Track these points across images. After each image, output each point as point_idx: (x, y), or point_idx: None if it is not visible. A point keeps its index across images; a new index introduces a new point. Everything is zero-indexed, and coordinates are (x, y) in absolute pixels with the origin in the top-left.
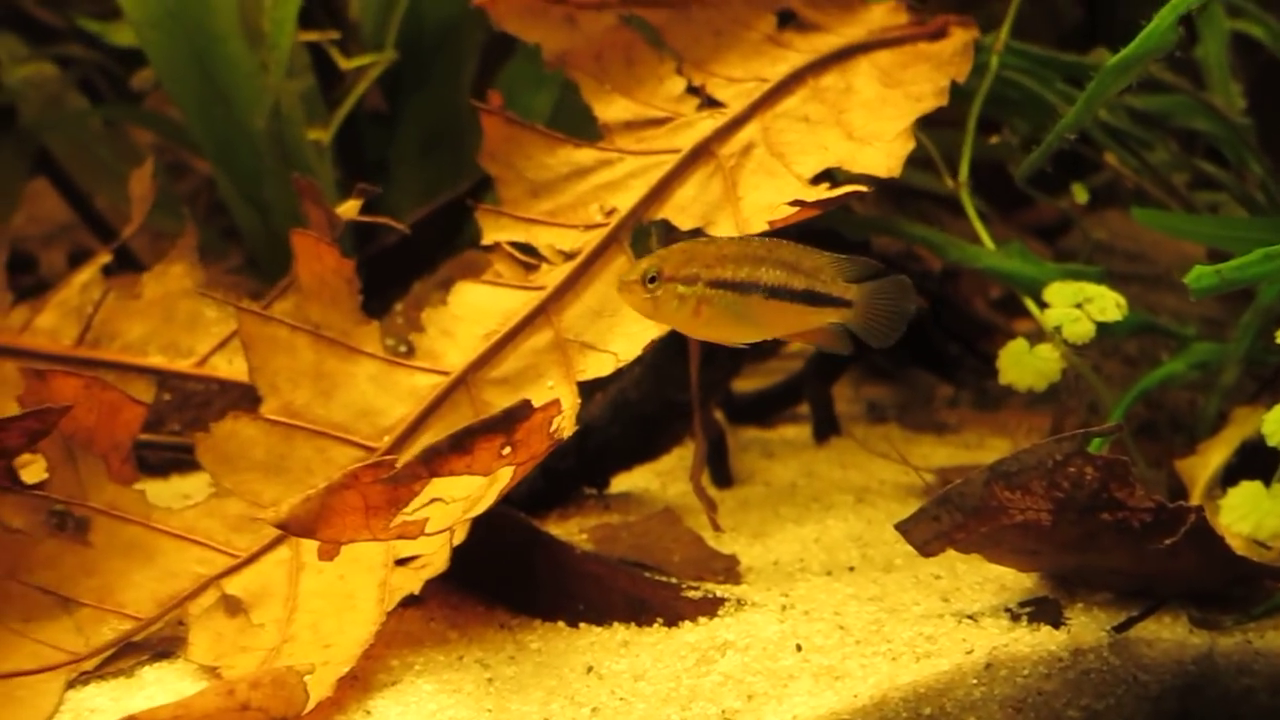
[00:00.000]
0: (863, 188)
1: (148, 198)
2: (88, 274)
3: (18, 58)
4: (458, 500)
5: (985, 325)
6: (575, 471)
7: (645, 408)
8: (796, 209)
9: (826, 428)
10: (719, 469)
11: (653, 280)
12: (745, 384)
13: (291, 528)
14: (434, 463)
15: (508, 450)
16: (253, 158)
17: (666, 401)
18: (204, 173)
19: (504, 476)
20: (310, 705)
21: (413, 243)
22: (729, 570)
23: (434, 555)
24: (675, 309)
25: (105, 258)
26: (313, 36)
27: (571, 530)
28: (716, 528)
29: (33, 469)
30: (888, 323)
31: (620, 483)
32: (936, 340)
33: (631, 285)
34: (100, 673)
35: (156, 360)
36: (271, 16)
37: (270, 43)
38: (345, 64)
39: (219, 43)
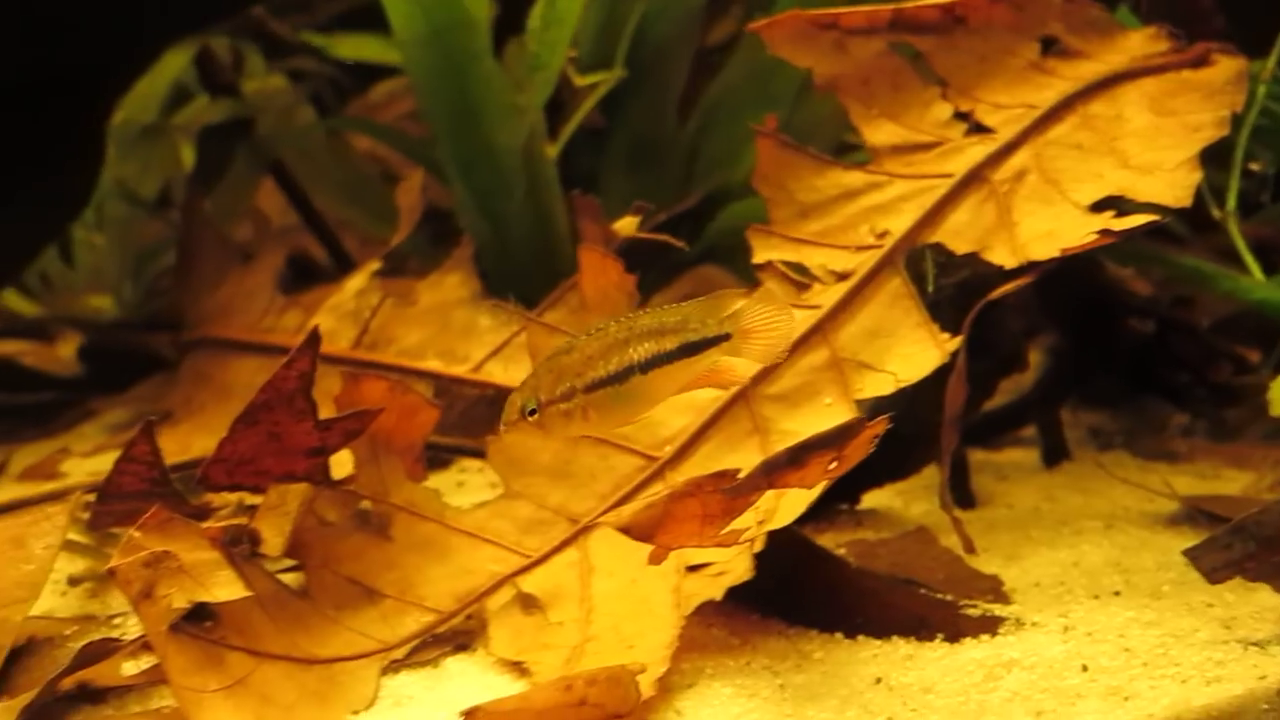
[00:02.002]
0: (1158, 217)
1: (416, 208)
2: (360, 280)
3: (258, 71)
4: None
5: (1215, 353)
6: (832, 487)
7: (901, 426)
8: (1097, 237)
9: (1057, 452)
10: (961, 491)
11: (533, 412)
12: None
13: (633, 532)
14: (773, 475)
15: (833, 465)
16: (493, 173)
17: (921, 421)
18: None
19: (802, 492)
20: None
21: (633, 255)
22: (995, 590)
23: (734, 563)
24: (565, 426)
25: (376, 264)
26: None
27: (828, 545)
28: (970, 548)
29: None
30: (770, 336)
31: (866, 500)
32: (1165, 368)
33: (516, 425)
34: (408, 662)
35: (433, 365)
36: (542, 39)
37: (539, 63)
38: (580, 81)
39: (475, 61)
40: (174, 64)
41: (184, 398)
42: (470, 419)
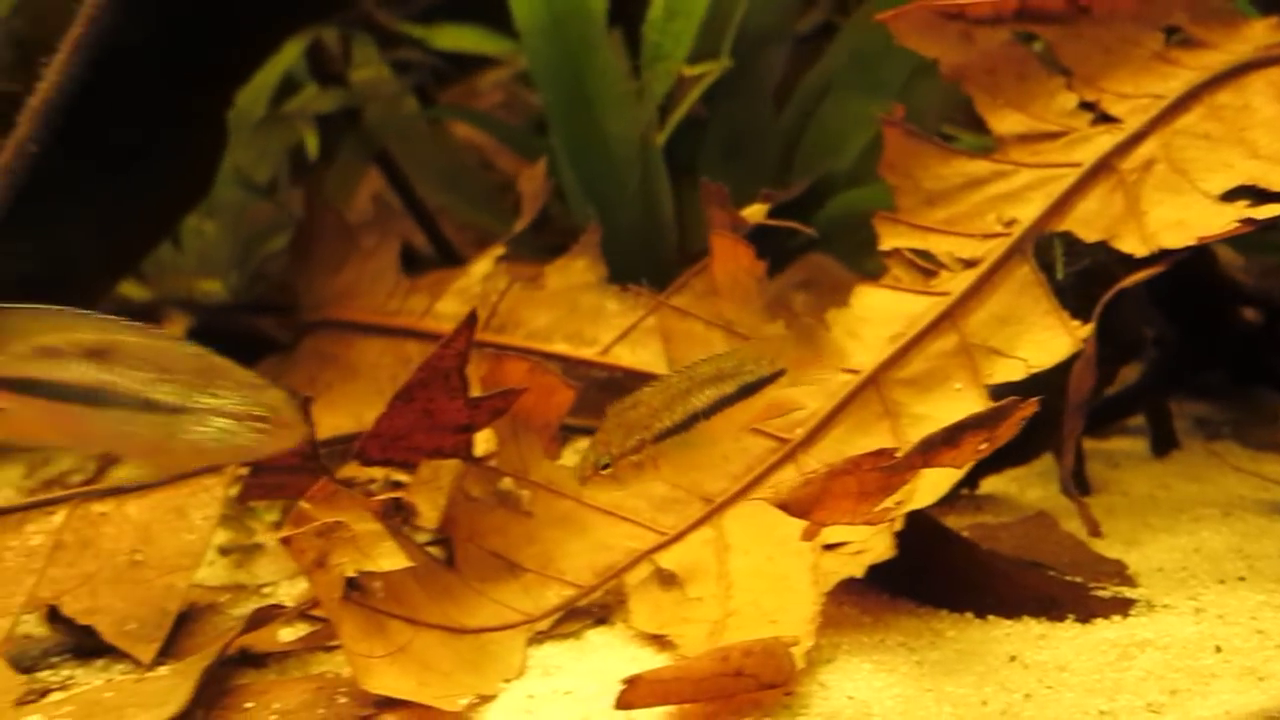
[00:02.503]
0: None
1: (539, 195)
2: (486, 264)
3: (369, 61)
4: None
5: None
6: None
7: None
8: (1238, 225)
9: (1166, 441)
10: (1077, 478)
11: (606, 466)
12: None
13: (791, 509)
14: (929, 454)
15: (984, 446)
16: (605, 161)
17: (1045, 406)
18: (510, 170)
19: (942, 473)
20: None
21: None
22: (1120, 574)
23: (873, 542)
24: (638, 476)
25: (500, 250)
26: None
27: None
28: (1095, 531)
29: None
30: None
31: (983, 486)
32: (1275, 358)
33: (591, 480)
34: (551, 634)
35: (561, 348)
36: (666, 29)
37: (661, 53)
38: (688, 71)
39: (592, 51)
40: (287, 55)
41: (307, 377)
42: (587, 400)
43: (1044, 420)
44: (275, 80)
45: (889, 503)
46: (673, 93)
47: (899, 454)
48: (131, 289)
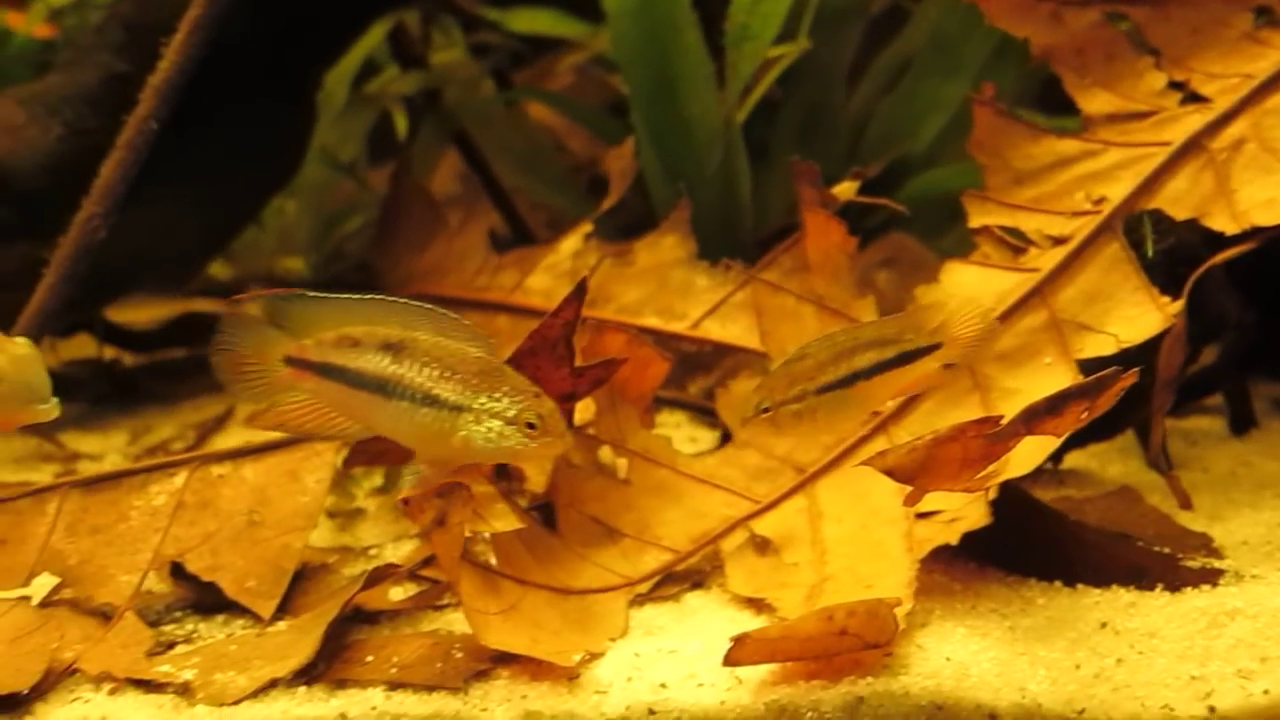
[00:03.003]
0: None
1: (627, 174)
2: (575, 241)
3: (451, 44)
4: None
5: None
6: None
7: None
8: None
9: (1245, 420)
10: (1162, 454)
11: (766, 410)
12: None
13: (896, 474)
14: (1032, 422)
15: (1085, 415)
16: (686, 142)
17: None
18: (583, 152)
19: (1036, 443)
20: None
21: None
22: (1207, 546)
23: (968, 510)
24: (796, 424)
25: (588, 227)
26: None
27: None
28: (1186, 504)
29: None
30: (978, 341)
31: (1065, 461)
32: None
33: (752, 420)
34: (651, 596)
35: (652, 322)
36: (754, 10)
37: (750, 34)
38: (771, 51)
39: (678, 32)
40: (371, 38)
41: None
42: (672, 376)
43: (1129, 397)
44: (359, 63)
45: (988, 471)
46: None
47: (1003, 422)
48: (216, 268)
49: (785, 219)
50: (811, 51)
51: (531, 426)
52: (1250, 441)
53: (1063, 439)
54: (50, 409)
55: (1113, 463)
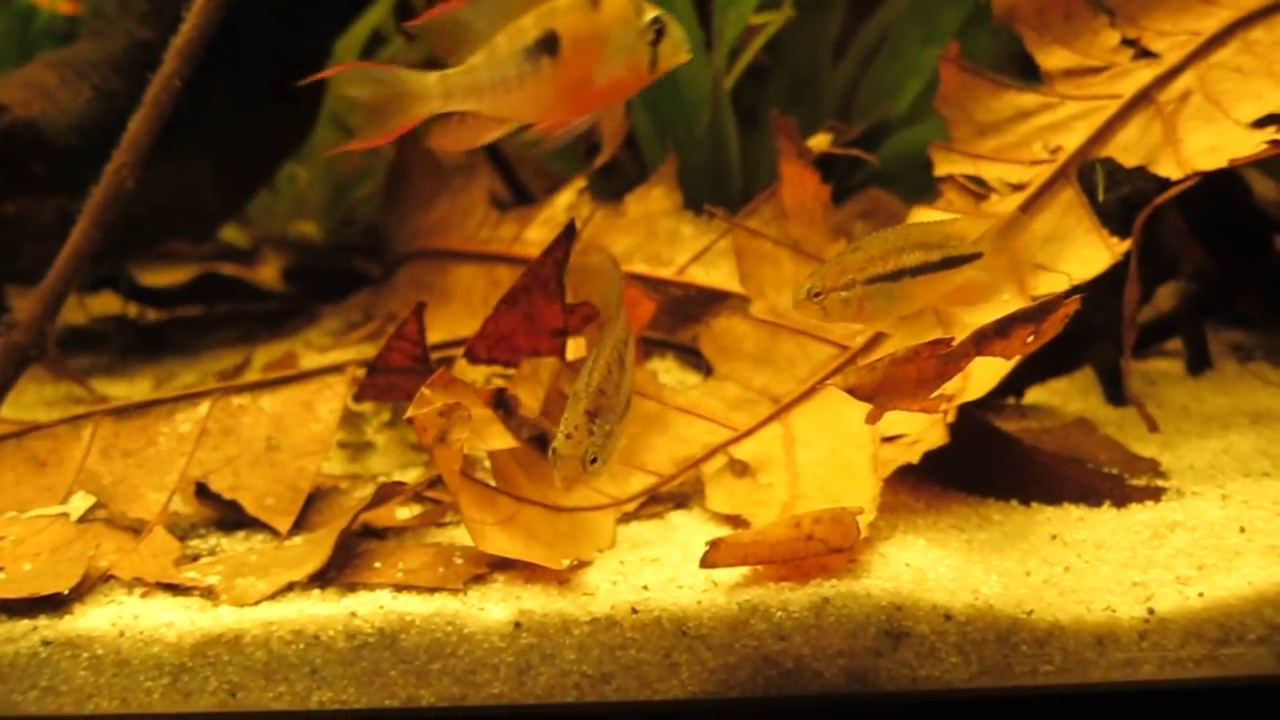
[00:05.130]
0: None
1: (618, 132)
2: (570, 195)
3: None
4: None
5: None
6: (1002, 381)
7: (1067, 327)
8: (1267, 147)
9: (1201, 361)
10: (1115, 390)
11: (817, 295)
12: None
13: (856, 392)
14: (982, 344)
15: (1031, 339)
16: (677, 104)
17: (1086, 323)
18: None
19: (987, 370)
20: None
21: None
22: (1154, 469)
23: (927, 433)
24: (842, 311)
25: (582, 182)
26: None
27: None
28: (1153, 427)
29: None
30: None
31: (1028, 396)
32: None
33: (802, 303)
34: (638, 515)
35: (641, 268)
36: None
37: (731, 1)
38: (754, 20)
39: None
40: (380, 8)
41: (404, 301)
42: (660, 319)
43: (1084, 335)
44: (367, 32)
45: (944, 392)
46: (738, 41)
47: (954, 344)
48: (232, 232)
49: (773, 179)
50: (799, 21)
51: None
52: (1204, 380)
53: (1014, 364)
54: None
55: (1073, 399)
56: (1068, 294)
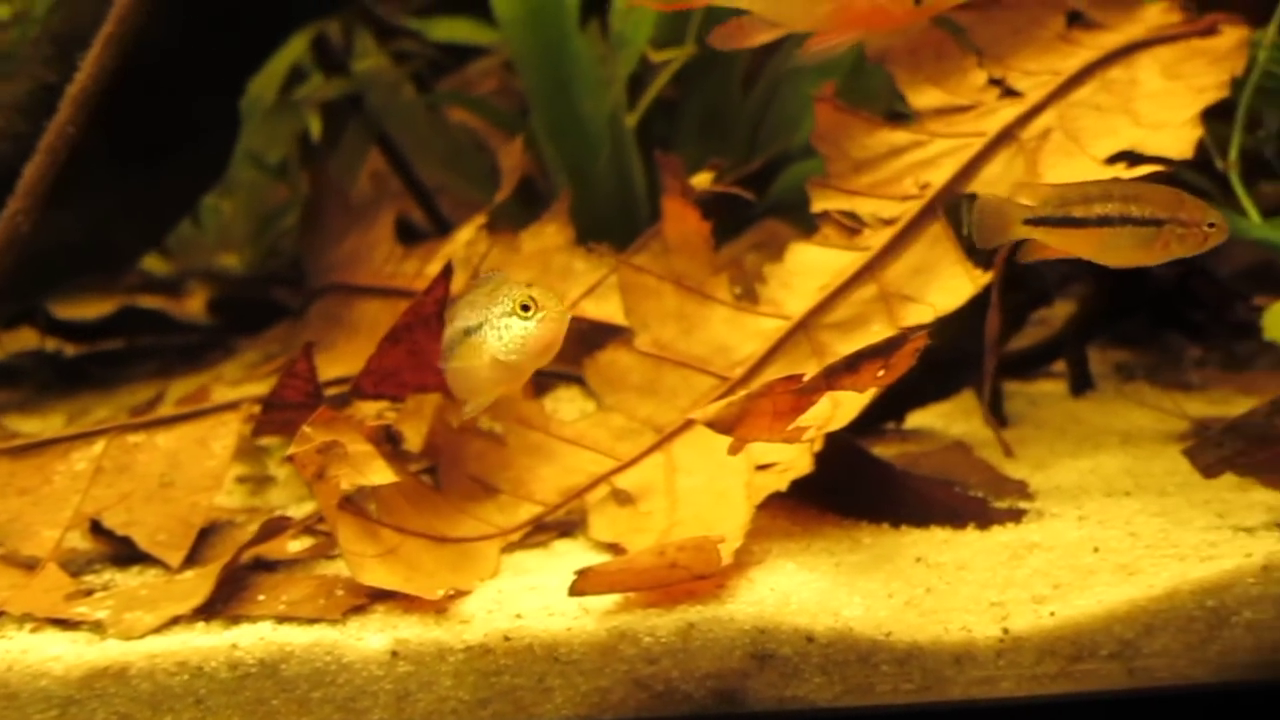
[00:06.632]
0: (1162, 168)
1: (518, 169)
2: (469, 232)
3: (368, 52)
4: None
5: (1232, 294)
6: (882, 407)
7: (943, 354)
8: None
9: (1083, 382)
10: (996, 411)
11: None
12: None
13: (716, 426)
14: (832, 378)
15: (882, 373)
16: (581, 138)
17: (961, 349)
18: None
19: (852, 401)
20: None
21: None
22: (1021, 491)
23: (796, 461)
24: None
25: (482, 219)
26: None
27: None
28: (1008, 452)
29: None
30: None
31: (912, 420)
32: (1186, 307)
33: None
34: (523, 544)
35: None
36: (627, 18)
37: (624, 40)
38: (656, 56)
39: (566, 39)
40: (295, 47)
41: (315, 335)
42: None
43: (962, 361)
44: (285, 70)
45: (806, 422)
46: (645, 77)
47: (806, 379)
48: (156, 264)
49: None
50: (708, 55)
51: (526, 309)
52: (1085, 401)
53: (882, 393)
54: None
55: (957, 422)
56: (916, 329)
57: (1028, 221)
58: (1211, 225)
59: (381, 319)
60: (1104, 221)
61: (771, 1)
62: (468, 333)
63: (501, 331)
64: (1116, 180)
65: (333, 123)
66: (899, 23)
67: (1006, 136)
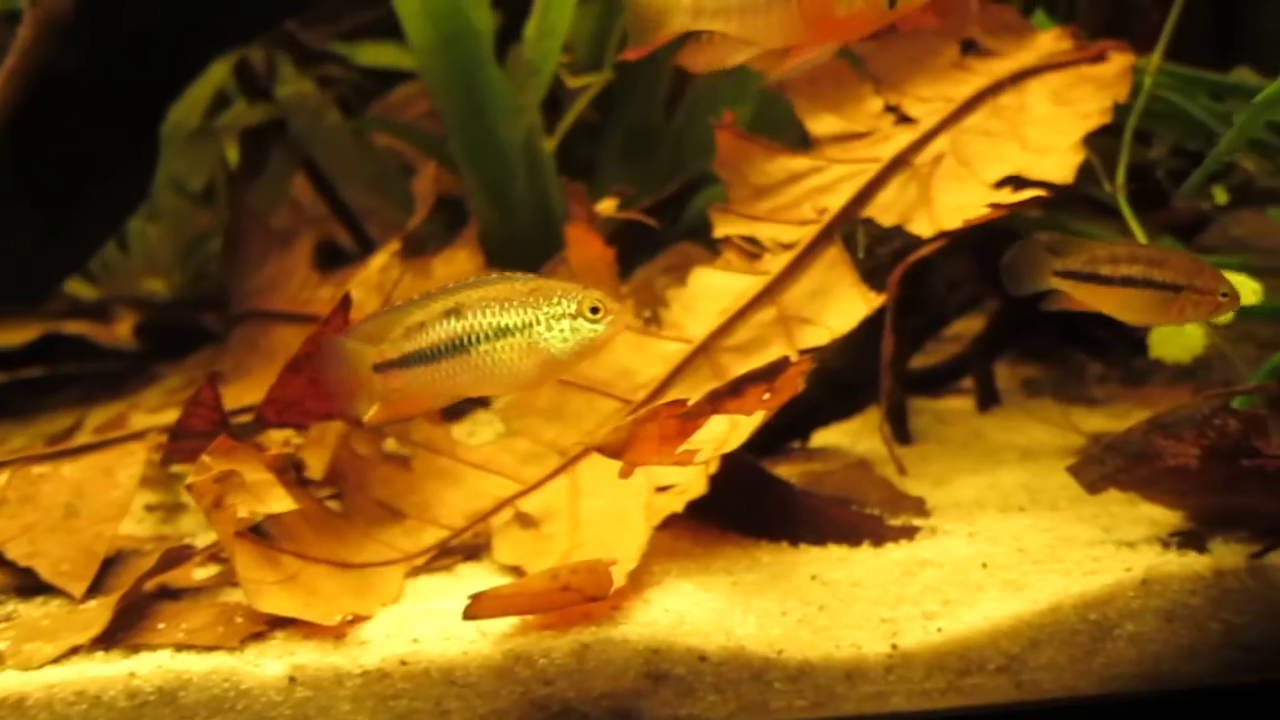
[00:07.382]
0: (1044, 192)
1: (430, 195)
2: (383, 258)
3: (290, 78)
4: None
5: None
6: (786, 427)
7: (845, 375)
8: (993, 210)
9: (989, 399)
10: (900, 428)
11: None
12: (916, 361)
13: (606, 450)
14: (717, 402)
15: (767, 396)
16: (498, 163)
17: (863, 369)
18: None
19: (748, 422)
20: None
21: (626, 235)
22: (918, 508)
23: (691, 482)
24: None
25: (396, 245)
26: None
27: (783, 474)
28: (901, 470)
29: None
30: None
31: (818, 438)
32: (1087, 323)
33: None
34: (427, 568)
35: None
36: (538, 47)
37: (534, 68)
38: (573, 82)
39: (480, 66)
40: (217, 73)
41: (234, 362)
42: None
43: (865, 381)
44: (208, 96)
45: (700, 444)
46: (566, 101)
47: (690, 403)
48: (81, 288)
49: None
50: (630, 79)
51: (595, 311)
52: (990, 417)
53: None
54: None
55: (863, 440)
56: (812, 351)
57: (1057, 273)
58: (1225, 295)
59: (297, 344)
60: (1128, 282)
61: (743, 20)
62: (504, 332)
63: (566, 333)
64: (1145, 245)
65: (258, 148)
66: (873, 29)
67: (901, 162)
